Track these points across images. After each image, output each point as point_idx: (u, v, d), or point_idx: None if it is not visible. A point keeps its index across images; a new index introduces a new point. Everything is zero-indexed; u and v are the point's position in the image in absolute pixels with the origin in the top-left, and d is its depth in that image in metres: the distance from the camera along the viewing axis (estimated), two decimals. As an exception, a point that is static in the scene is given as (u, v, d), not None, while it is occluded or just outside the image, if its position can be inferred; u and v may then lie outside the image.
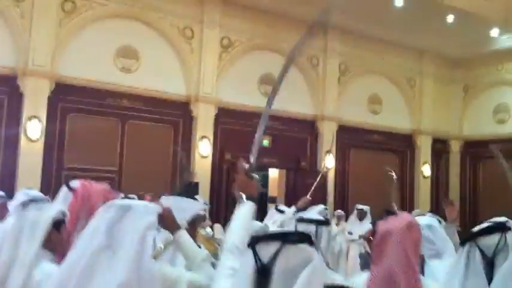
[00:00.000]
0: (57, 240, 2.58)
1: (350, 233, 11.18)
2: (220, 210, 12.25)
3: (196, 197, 9.20)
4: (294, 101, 13.97)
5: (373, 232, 2.60)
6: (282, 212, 5.72)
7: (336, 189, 14.34)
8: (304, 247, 1.56)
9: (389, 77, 16.00)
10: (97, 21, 11.51)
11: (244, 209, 2.24)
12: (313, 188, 7.83)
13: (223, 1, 12.85)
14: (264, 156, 13.86)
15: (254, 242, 1.58)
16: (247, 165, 2.36)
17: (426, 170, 16.34)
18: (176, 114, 12.50)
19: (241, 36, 13.29)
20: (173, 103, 12.40)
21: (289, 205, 7.29)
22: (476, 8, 13.22)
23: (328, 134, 14.49)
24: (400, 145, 16.05)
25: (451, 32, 13.85)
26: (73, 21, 11.16)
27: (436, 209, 15.22)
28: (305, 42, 2.96)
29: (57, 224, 2.61)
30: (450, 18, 13.20)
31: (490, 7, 13.59)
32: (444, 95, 16.94)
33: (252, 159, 2.43)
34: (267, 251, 1.54)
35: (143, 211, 1.98)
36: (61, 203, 2.93)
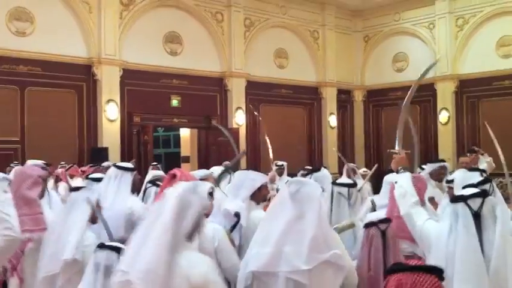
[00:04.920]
0: (211, 207, 3.27)
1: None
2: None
3: (105, 163, 8.94)
4: (200, 59, 13.83)
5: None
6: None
7: (248, 146, 14.45)
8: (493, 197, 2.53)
9: (294, 30, 16.18)
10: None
11: (405, 177, 3.27)
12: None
13: (120, -43, 12.32)
14: (174, 116, 13.72)
15: (465, 198, 2.50)
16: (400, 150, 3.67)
17: (333, 120, 16.89)
18: (78, 78, 11.98)
19: (142, -7, 12.84)
20: (74, 66, 11.86)
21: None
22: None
23: (237, 90, 14.54)
24: (307, 98, 16.42)
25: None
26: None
27: (343, 156, 15.76)
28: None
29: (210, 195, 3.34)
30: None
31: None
32: (346, 46, 17.43)
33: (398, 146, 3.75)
34: (474, 203, 2.49)
35: (314, 184, 2.80)
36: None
